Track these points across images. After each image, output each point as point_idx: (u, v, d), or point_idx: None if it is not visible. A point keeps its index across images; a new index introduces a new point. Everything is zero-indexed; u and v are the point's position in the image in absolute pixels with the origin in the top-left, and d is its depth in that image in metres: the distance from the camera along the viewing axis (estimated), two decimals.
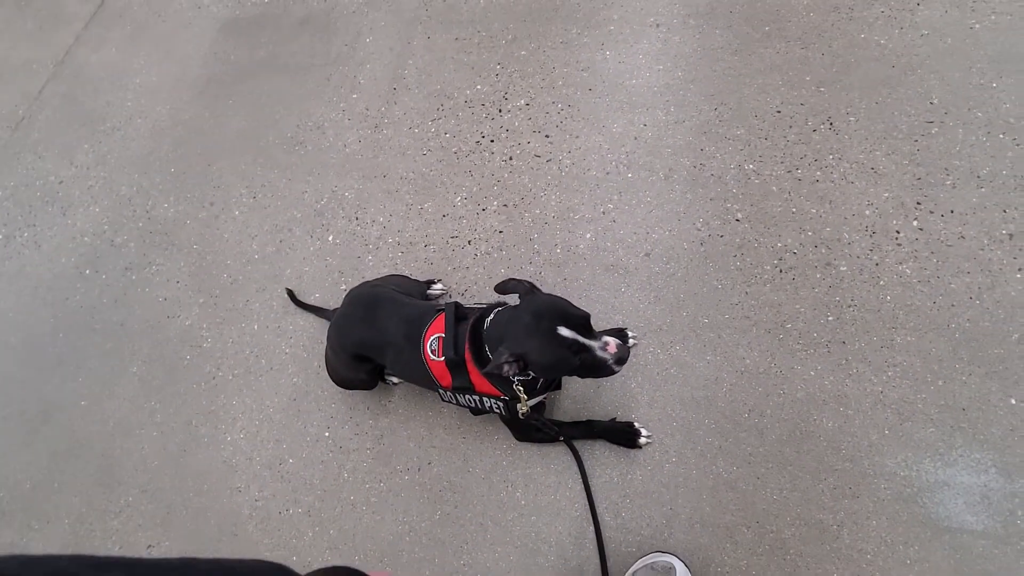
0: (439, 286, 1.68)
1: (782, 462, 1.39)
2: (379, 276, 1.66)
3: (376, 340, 1.41)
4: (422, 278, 1.71)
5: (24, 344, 2.05)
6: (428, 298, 1.67)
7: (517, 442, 1.49)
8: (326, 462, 1.60)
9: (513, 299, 1.30)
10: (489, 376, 1.26)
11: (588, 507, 1.39)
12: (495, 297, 1.67)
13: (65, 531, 1.72)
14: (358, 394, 1.63)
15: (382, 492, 1.54)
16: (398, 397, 1.62)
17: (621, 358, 1.17)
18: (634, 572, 1.31)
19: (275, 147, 2.09)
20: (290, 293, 1.79)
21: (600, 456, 1.46)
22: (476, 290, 1.69)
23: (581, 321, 1.16)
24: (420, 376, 1.37)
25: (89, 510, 1.72)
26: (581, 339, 1.14)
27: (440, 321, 1.33)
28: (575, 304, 1.20)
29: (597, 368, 1.17)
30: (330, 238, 1.87)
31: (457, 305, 1.35)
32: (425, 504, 1.51)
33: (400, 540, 1.49)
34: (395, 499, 1.53)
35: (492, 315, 1.28)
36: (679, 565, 1.31)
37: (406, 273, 1.73)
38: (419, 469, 1.55)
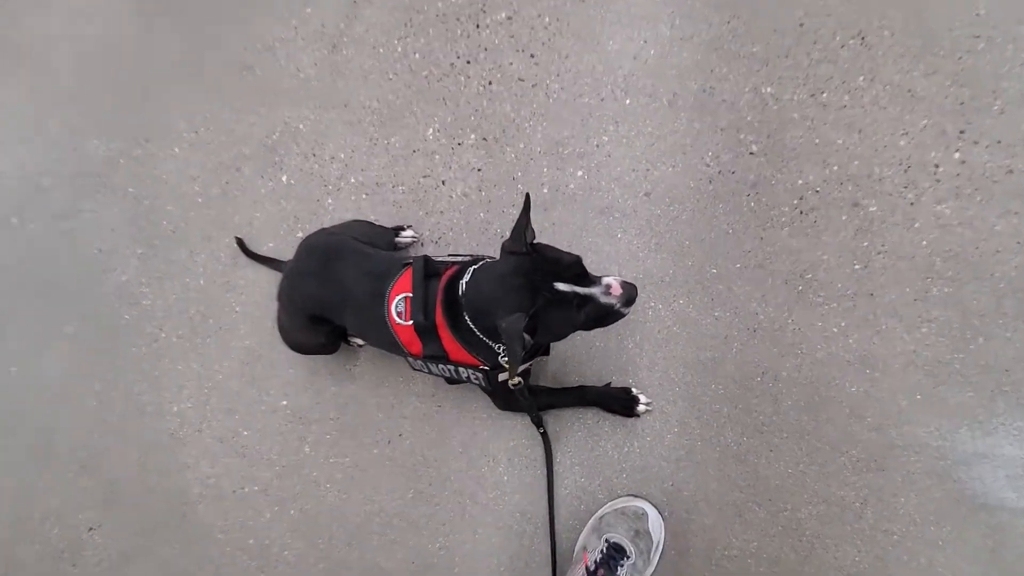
0: (409, 233, 1.46)
1: (799, 432, 1.23)
2: (339, 223, 1.43)
3: (334, 298, 1.20)
4: (389, 224, 1.48)
5: None
6: (397, 248, 1.45)
7: (500, 411, 1.31)
8: (284, 434, 1.42)
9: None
10: (470, 346, 1.08)
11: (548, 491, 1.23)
12: (472, 247, 1.46)
13: None
14: (319, 358, 1.43)
15: (348, 468, 1.37)
16: (364, 360, 1.43)
17: (630, 298, 1.00)
18: (602, 516, 1.17)
19: (219, 73, 1.80)
20: (239, 242, 1.56)
21: (593, 426, 1.29)
22: (452, 238, 1.48)
23: (574, 267, 0.98)
24: (386, 341, 1.18)
25: (23, 489, 1.55)
26: (580, 290, 0.96)
27: (407, 278, 1.12)
28: (561, 249, 1.00)
29: (604, 317, 1.01)
30: (284, 178, 1.62)
31: (427, 259, 1.14)
32: (396, 481, 1.35)
33: (369, 522, 1.33)
34: (362, 476, 1.36)
35: (470, 272, 1.08)
36: (651, 511, 1.17)
37: (371, 219, 1.51)
38: (389, 442, 1.37)
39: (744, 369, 1.27)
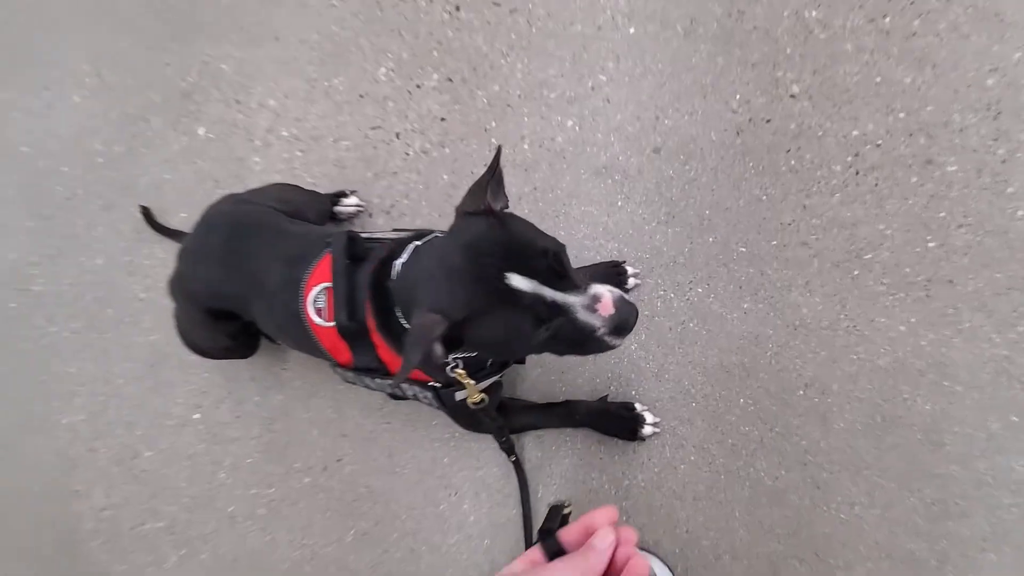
0: (352, 201, 1.14)
1: (854, 464, 0.94)
2: (260, 187, 1.11)
3: (238, 288, 0.89)
4: (330, 189, 1.17)
5: None
6: (337, 220, 1.14)
7: (464, 431, 1.02)
8: (195, 457, 1.13)
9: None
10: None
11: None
12: (433, 219, 1.15)
13: None
14: (238, 361, 1.13)
15: (274, 501, 1.08)
16: (295, 363, 1.13)
17: (623, 323, 0.67)
18: None
19: (124, 2, 1.46)
20: (145, 212, 1.25)
21: (584, 453, 1.00)
22: (407, 207, 1.16)
23: (548, 259, 0.65)
24: (307, 345, 0.88)
25: None
26: (549, 294, 0.64)
27: (326, 263, 0.82)
28: (542, 230, 0.69)
29: (580, 342, 0.68)
30: (201, 131, 1.29)
31: (350, 235, 0.83)
32: (333, 519, 1.06)
33: (299, 570, 1.05)
34: (292, 511, 1.07)
35: (409, 251, 0.77)
36: (660, 569, 0.91)
37: (307, 183, 1.19)
38: (325, 468, 1.08)
39: (782, 379, 0.97)
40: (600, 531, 0.44)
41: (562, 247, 0.68)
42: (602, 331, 0.66)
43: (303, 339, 0.86)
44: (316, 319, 0.82)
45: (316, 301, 0.82)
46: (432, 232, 0.83)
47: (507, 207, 0.74)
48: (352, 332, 0.80)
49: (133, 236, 1.28)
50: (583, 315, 0.65)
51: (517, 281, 0.62)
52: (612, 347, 0.69)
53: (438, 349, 0.64)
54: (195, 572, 1.08)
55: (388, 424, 1.07)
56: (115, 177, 1.33)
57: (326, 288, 0.81)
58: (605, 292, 0.67)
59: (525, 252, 0.64)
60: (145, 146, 1.33)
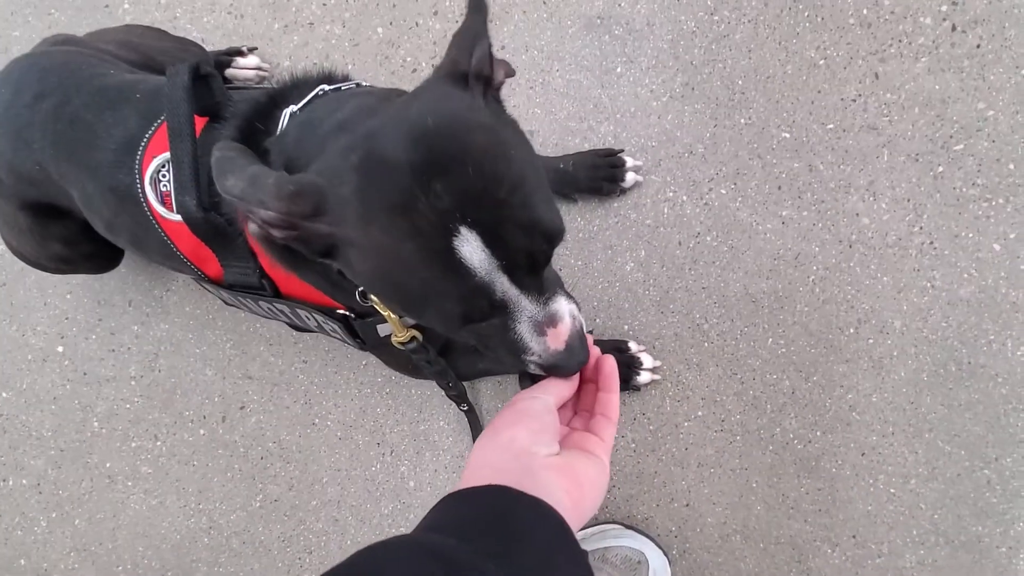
0: (252, 61, 0.83)
1: (915, 426, 0.71)
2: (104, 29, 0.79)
3: (51, 168, 0.60)
4: (221, 45, 0.85)
5: None
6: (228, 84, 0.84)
7: (401, 375, 0.77)
8: (62, 399, 0.88)
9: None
10: (303, 267, 0.51)
11: None
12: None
13: None
14: (111, 275, 0.85)
15: (160, 458, 0.85)
16: (183, 281, 0.85)
17: (557, 366, 0.42)
18: None
19: None
20: None
21: None
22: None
23: (534, 241, 0.37)
24: (155, 251, 0.60)
25: None
26: (504, 286, 0.37)
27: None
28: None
29: (495, 347, 0.43)
30: None
31: (201, 74, 0.54)
32: (237, 481, 0.83)
33: (194, 542, 0.83)
34: (184, 471, 0.84)
35: (300, 106, 0.49)
36: (653, 554, 0.71)
37: (196, 38, 0.87)
38: (224, 418, 0.84)
39: (827, 313, 0.72)
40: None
41: (562, 231, 0.39)
42: (534, 358, 0.41)
43: (149, 241, 0.58)
44: (161, 210, 0.54)
45: (159, 183, 0.54)
46: (354, 81, 0.54)
47: (504, 80, 0.44)
48: (211, 229, 0.53)
49: None
50: (524, 328, 0.39)
51: (469, 249, 0.34)
52: (530, 373, 0.44)
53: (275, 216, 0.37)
54: (69, 541, 0.86)
55: (305, 363, 0.82)
56: None
57: (166, 160, 0.53)
58: (567, 318, 0.41)
59: (507, 204, 0.36)
60: None
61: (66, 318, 0.88)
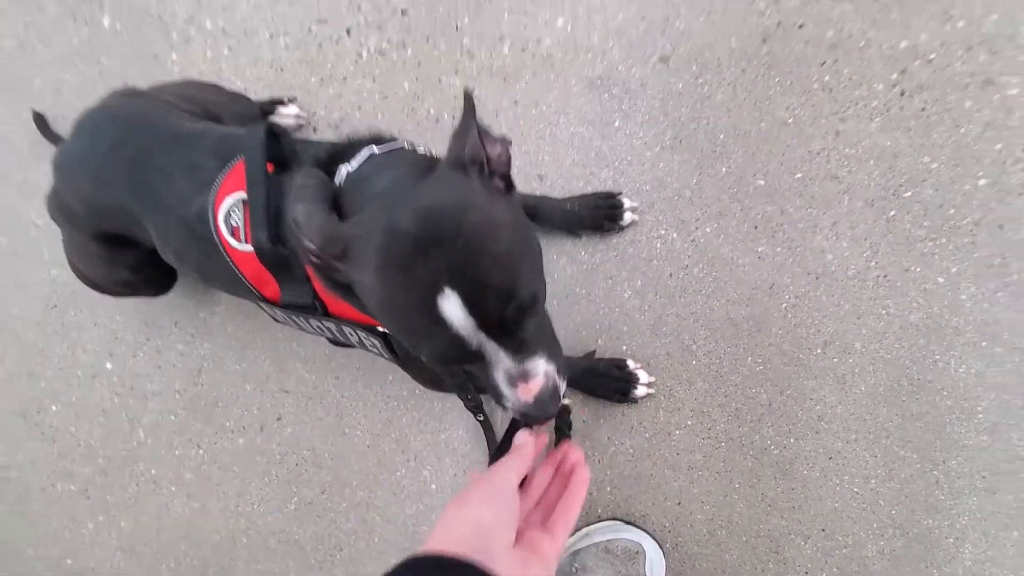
0: (292, 111, 0.94)
1: (874, 433, 0.82)
2: (166, 84, 0.89)
3: (126, 204, 0.70)
4: (263, 95, 0.96)
5: None
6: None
7: (424, 389, 0.87)
8: (110, 412, 0.96)
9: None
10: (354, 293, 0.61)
11: None
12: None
13: None
14: (158, 299, 0.94)
15: (202, 464, 0.94)
16: (227, 307, 0.95)
17: (531, 411, 0.50)
18: (575, 551, 0.79)
19: None
20: (39, 120, 1.02)
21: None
22: (360, 121, 0.96)
23: (509, 306, 0.45)
24: (223, 278, 0.70)
25: None
26: (479, 339, 0.46)
27: (242, 169, 0.63)
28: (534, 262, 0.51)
29: (483, 387, 0.56)
30: (106, 21, 1.05)
31: (272, 129, 0.64)
32: (273, 486, 0.92)
33: (234, 542, 0.92)
34: (224, 476, 0.93)
35: (359, 159, 0.60)
36: (649, 546, 0.80)
37: (239, 88, 0.97)
38: (262, 428, 0.93)
39: (798, 335, 0.84)
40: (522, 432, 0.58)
41: (540, 295, 0.48)
42: (506, 403, 0.50)
43: (218, 268, 0.68)
44: (231, 241, 0.64)
45: (230, 217, 0.64)
46: (394, 140, 0.65)
47: (506, 152, 0.54)
48: (276, 258, 0.62)
49: (27, 150, 1.06)
50: (499, 377, 0.49)
51: (449, 306, 0.44)
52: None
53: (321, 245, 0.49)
54: (115, 542, 0.94)
55: (337, 379, 0.91)
56: (3, 78, 1.08)
57: (242, 200, 0.63)
58: (540, 376, 0.49)
59: (488, 274, 0.44)
60: (39, 39, 1.08)
61: (115, 337, 0.97)
